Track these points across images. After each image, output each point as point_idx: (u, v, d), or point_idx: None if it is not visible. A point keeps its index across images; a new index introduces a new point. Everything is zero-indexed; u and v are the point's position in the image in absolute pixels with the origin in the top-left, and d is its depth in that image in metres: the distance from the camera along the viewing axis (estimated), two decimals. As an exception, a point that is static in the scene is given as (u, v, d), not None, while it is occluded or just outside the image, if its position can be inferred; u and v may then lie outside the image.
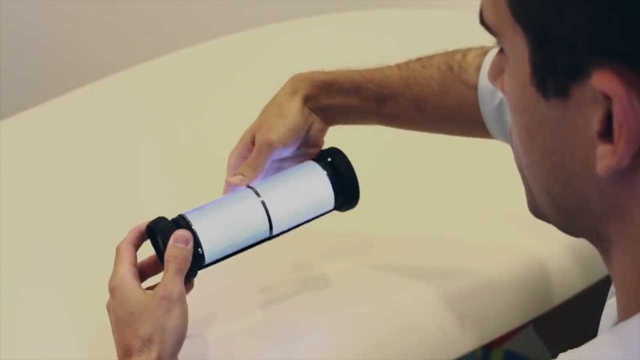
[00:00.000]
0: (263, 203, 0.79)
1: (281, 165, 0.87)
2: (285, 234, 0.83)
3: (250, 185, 0.81)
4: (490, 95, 0.83)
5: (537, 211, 0.56)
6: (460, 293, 0.92)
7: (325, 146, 0.88)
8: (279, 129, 0.83)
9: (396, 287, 0.92)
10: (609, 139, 0.46)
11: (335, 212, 0.85)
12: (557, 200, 0.53)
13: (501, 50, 0.54)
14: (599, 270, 0.78)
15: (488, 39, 0.54)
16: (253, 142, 0.85)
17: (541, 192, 0.54)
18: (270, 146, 0.83)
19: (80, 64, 1.96)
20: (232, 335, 0.87)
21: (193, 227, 0.77)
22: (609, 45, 0.45)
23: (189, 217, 0.78)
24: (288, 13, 1.52)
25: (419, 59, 0.88)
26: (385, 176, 1.07)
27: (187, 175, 1.10)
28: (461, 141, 0.93)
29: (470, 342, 0.90)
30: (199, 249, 0.77)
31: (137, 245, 0.79)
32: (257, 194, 0.80)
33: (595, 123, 0.47)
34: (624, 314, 0.51)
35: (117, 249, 0.78)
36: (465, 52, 0.87)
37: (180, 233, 0.76)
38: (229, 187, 0.82)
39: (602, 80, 0.45)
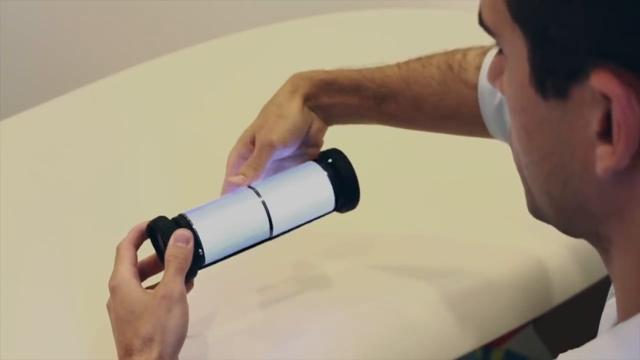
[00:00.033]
0: (264, 203, 0.79)
1: (281, 164, 0.87)
2: (285, 234, 0.83)
3: (251, 185, 0.81)
4: (490, 94, 0.83)
5: (537, 212, 0.56)
6: (460, 293, 0.92)
7: (326, 146, 0.88)
8: (279, 130, 0.83)
9: (396, 287, 0.92)
10: (608, 140, 0.46)
11: (335, 212, 0.85)
12: (557, 200, 0.53)
13: (500, 51, 0.54)
14: (599, 270, 0.78)
15: (488, 39, 0.54)
16: (252, 142, 0.85)
17: (540, 193, 0.54)
18: (271, 147, 0.83)
19: (80, 64, 1.96)
20: (232, 335, 0.87)
21: (194, 227, 0.77)
22: (608, 46, 0.45)
23: (190, 217, 0.78)
24: (288, 13, 1.52)
25: (419, 59, 0.88)
26: (385, 176, 1.07)
27: (187, 174, 1.10)
28: (461, 141, 0.93)
29: (470, 342, 0.90)
30: (199, 249, 0.77)
31: (137, 245, 0.79)
32: (258, 194, 0.80)
33: (594, 123, 0.47)
34: (624, 315, 0.51)
35: (118, 249, 0.78)
36: (465, 51, 0.87)
37: (181, 232, 0.76)
38: (230, 187, 0.82)
39: (601, 81, 0.45)
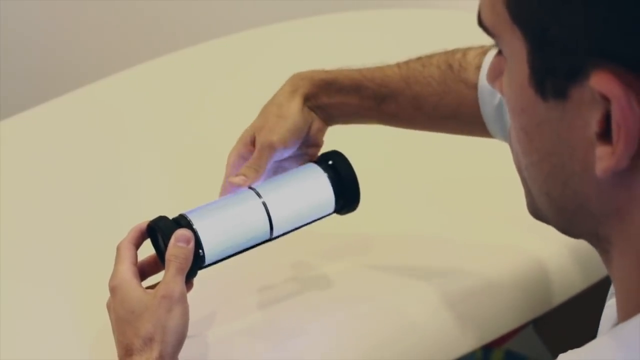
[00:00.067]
0: (264, 204, 0.79)
1: (281, 165, 0.86)
2: (285, 235, 0.83)
3: (252, 186, 0.81)
4: (490, 94, 0.83)
5: (537, 212, 0.56)
6: (460, 293, 0.92)
7: (326, 147, 0.88)
8: (279, 130, 0.83)
9: (396, 287, 0.92)
10: (608, 140, 0.46)
11: (335, 213, 0.85)
12: (557, 201, 0.53)
13: (499, 52, 0.54)
14: (599, 270, 0.78)
15: (488, 39, 0.54)
16: (252, 142, 0.85)
17: (540, 194, 0.54)
18: (272, 148, 0.82)
19: (80, 64, 1.96)
20: (232, 335, 0.87)
21: (194, 227, 0.77)
22: (608, 46, 0.45)
23: (190, 217, 0.78)
24: (288, 13, 1.52)
25: (419, 58, 0.88)
26: (384, 176, 1.07)
27: (187, 175, 1.10)
28: (461, 141, 0.93)
29: (470, 342, 0.90)
30: (200, 249, 0.77)
31: (137, 245, 0.79)
32: (259, 195, 0.80)
33: (594, 124, 0.47)
34: (624, 315, 0.51)
35: (118, 248, 0.78)
36: (465, 51, 0.87)
37: (181, 232, 0.76)
38: (231, 187, 0.82)
39: (601, 82, 0.45)
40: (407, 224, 1.01)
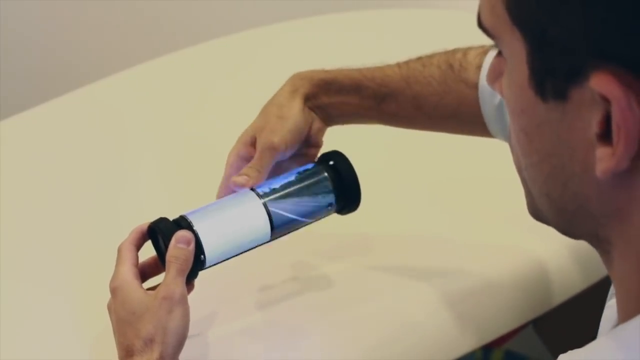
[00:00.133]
0: (265, 205, 0.79)
1: (280, 165, 0.86)
2: (285, 235, 0.83)
3: (252, 187, 0.81)
4: (491, 94, 0.83)
5: (537, 213, 0.56)
6: (460, 293, 0.92)
7: (327, 147, 0.88)
8: (281, 131, 0.83)
9: (396, 287, 0.92)
10: (608, 141, 0.46)
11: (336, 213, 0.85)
12: (557, 202, 0.53)
13: (499, 53, 0.54)
14: (599, 270, 0.78)
15: (488, 39, 0.54)
16: (252, 143, 0.85)
17: (540, 195, 0.54)
18: (273, 149, 0.82)
19: (80, 64, 1.96)
20: (232, 336, 0.87)
21: (194, 228, 0.77)
22: (607, 47, 0.45)
23: (190, 218, 0.78)
24: (288, 13, 1.52)
25: (420, 58, 0.88)
26: (384, 176, 1.07)
27: (187, 175, 1.10)
28: (461, 141, 0.93)
29: (470, 342, 0.90)
30: (200, 250, 0.77)
31: (138, 246, 0.79)
32: (259, 196, 0.80)
33: (594, 125, 0.47)
34: (624, 316, 0.51)
35: (119, 250, 0.78)
36: (465, 51, 0.87)
37: (182, 234, 0.76)
38: (232, 188, 0.82)
39: (601, 83, 0.45)
40: (407, 224, 1.01)
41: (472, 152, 1.02)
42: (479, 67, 0.85)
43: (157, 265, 0.80)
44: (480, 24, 0.53)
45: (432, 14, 1.49)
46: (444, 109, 0.86)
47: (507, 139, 0.81)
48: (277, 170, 0.85)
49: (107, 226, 1.01)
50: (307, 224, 0.83)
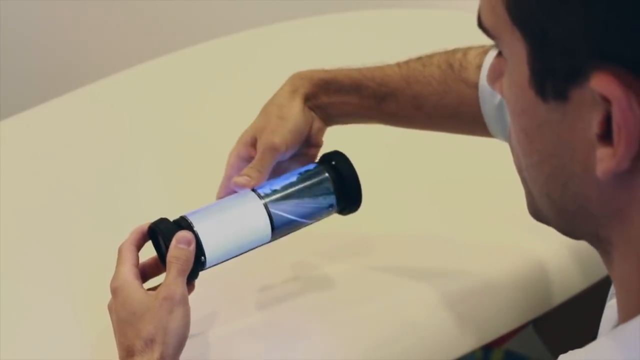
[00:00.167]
0: (265, 206, 0.79)
1: (280, 165, 0.86)
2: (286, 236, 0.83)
3: (253, 187, 0.81)
4: (491, 94, 0.83)
5: (537, 214, 0.56)
6: (460, 293, 0.92)
7: (327, 147, 0.88)
8: (281, 131, 0.83)
9: (396, 287, 0.92)
10: (609, 142, 0.46)
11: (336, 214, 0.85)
12: (557, 203, 0.53)
13: (500, 53, 0.54)
14: (599, 270, 0.78)
15: (488, 39, 0.54)
16: (252, 143, 0.84)
17: (541, 195, 0.54)
18: (274, 150, 0.82)
19: (80, 64, 1.96)
20: (232, 336, 0.87)
21: (195, 229, 0.77)
22: (607, 48, 0.45)
23: (191, 219, 0.78)
24: (288, 13, 1.52)
25: (420, 58, 0.88)
26: (385, 176, 1.07)
27: (188, 176, 1.10)
28: (461, 141, 0.93)
29: (470, 342, 0.90)
30: (201, 251, 0.77)
31: (139, 246, 0.79)
32: (260, 197, 0.80)
33: (594, 126, 0.47)
34: (625, 316, 0.52)
35: (119, 250, 0.78)
36: (465, 50, 0.87)
37: (182, 234, 0.76)
38: (234, 187, 0.82)
39: (601, 83, 0.45)
40: (407, 224, 1.01)
41: (472, 152, 1.02)
42: (479, 67, 0.85)
43: (158, 265, 0.80)
44: (481, 24, 0.53)
45: (432, 14, 1.49)
46: (444, 108, 0.86)
47: (507, 139, 0.81)
48: (277, 170, 0.85)
49: (107, 226, 1.01)
50: (307, 225, 0.83)
